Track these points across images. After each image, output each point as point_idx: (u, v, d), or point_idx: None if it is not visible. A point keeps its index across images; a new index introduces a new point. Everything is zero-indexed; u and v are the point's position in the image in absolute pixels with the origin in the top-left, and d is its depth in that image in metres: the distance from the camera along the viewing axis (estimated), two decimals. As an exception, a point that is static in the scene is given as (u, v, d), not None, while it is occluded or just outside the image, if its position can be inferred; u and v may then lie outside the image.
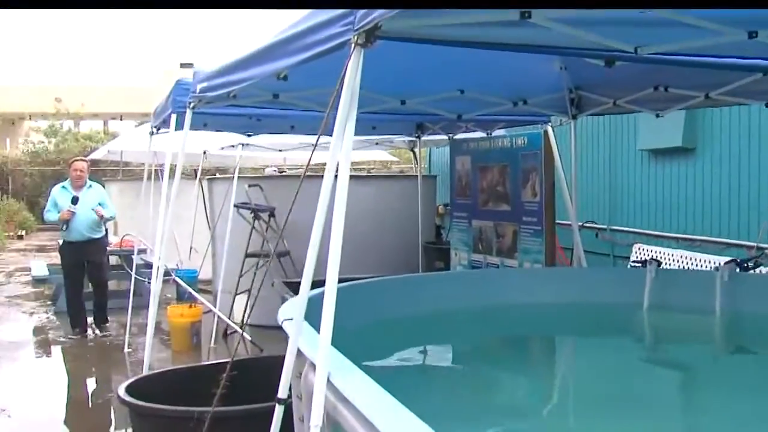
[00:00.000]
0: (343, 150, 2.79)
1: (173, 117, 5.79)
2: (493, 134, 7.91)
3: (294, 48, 3.30)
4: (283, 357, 5.34)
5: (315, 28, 3.07)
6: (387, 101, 5.70)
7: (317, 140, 3.09)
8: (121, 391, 4.45)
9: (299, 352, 3.18)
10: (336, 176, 2.87)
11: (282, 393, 2.90)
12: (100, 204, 8.90)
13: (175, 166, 5.81)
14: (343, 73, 2.77)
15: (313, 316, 3.56)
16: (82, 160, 9.54)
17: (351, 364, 2.72)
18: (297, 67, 3.47)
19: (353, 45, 2.75)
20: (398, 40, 2.98)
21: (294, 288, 7.40)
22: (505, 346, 5.19)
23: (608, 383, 4.08)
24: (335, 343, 2.84)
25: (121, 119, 36.34)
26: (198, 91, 4.89)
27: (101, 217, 8.81)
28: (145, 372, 5.57)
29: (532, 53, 3.81)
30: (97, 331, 9.10)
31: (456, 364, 4.90)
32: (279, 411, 2.91)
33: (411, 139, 9.97)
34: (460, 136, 8.47)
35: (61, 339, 8.99)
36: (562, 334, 5.58)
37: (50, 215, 8.89)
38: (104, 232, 9.24)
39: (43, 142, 29.10)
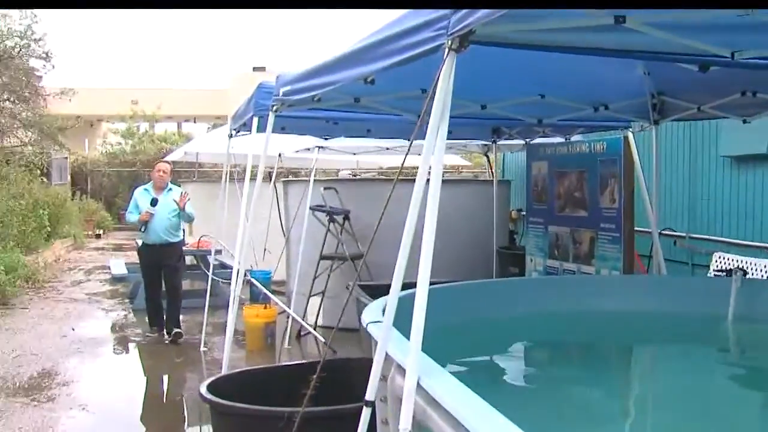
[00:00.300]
0: (436, 154, 2.79)
1: (255, 120, 5.87)
2: (572, 139, 7.83)
3: (383, 52, 3.31)
4: (359, 359, 5.38)
5: (407, 32, 3.08)
6: (468, 105, 5.69)
7: (410, 144, 3.08)
8: (203, 389, 4.52)
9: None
10: (425, 180, 2.85)
11: (370, 395, 2.91)
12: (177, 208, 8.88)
13: (256, 167, 5.87)
14: (437, 78, 2.76)
15: (396, 319, 3.58)
16: (165, 162, 9.58)
17: (440, 367, 2.72)
18: (384, 71, 3.48)
19: (447, 50, 2.75)
20: (490, 44, 2.97)
21: (369, 290, 7.46)
22: (589, 353, 5.12)
23: (690, 396, 3.98)
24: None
25: (194, 121, 36.99)
26: (281, 94, 4.95)
27: (183, 209, 8.77)
28: (224, 371, 5.65)
29: (622, 58, 3.76)
30: (169, 335, 8.91)
31: (537, 370, 4.85)
32: (366, 413, 2.92)
33: (486, 143, 9.92)
34: (537, 141, 8.40)
35: (139, 336, 9.22)
36: (646, 343, 5.47)
37: (131, 216, 8.95)
38: (181, 237, 9.21)
39: (120, 143, 29.76)
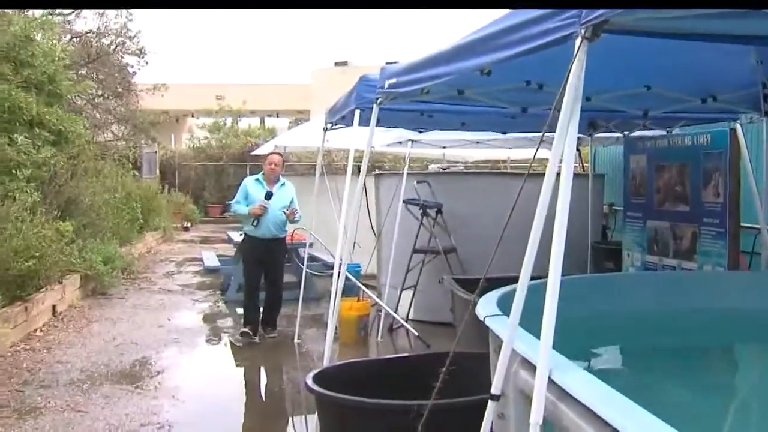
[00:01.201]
0: (567, 147, 2.74)
1: (357, 113, 5.88)
2: (673, 132, 7.64)
3: (505, 42, 3.27)
4: (461, 354, 5.33)
5: (533, 21, 3.03)
6: (572, 97, 5.58)
7: (542, 136, 3.03)
8: (310, 381, 4.55)
9: (499, 349, 3.15)
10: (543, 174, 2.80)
11: (496, 389, 2.87)
12: (291, 203, 8.53)
13: (360, 160, 5.88)
14: (569, 69, 2.71)
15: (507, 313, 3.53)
16: (277, 154, 9.14)
17: (567, 360, 2.67)
18: (500, 63, 3.44)
19: (580, 39, 2.69)
20: (622, 33, 2.90)
21: (463, 284, 7.43)
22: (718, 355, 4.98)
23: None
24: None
25: (277, 116, 37.38)
26: (386, 86, 4.94)
27: (291, 218, 8.41)
28: (326, 363, 5.69)
29: (746, 45, 3.63)
30: (263, 334, 8.64)
31: (650, 368, 4.73)
32: (491, 407, 2.90)
33: (581, 136, 9.72)
34: (635, 133, 8.22)
35: (232, 328, 9.33)
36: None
37: (240, 207, 8.49)
38: (286, 233, 8.85)
39: (206, 137, 30.30)
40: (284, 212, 8.34)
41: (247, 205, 8.39)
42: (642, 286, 5.50)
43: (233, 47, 75.93)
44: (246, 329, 8.49)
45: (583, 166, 12.94)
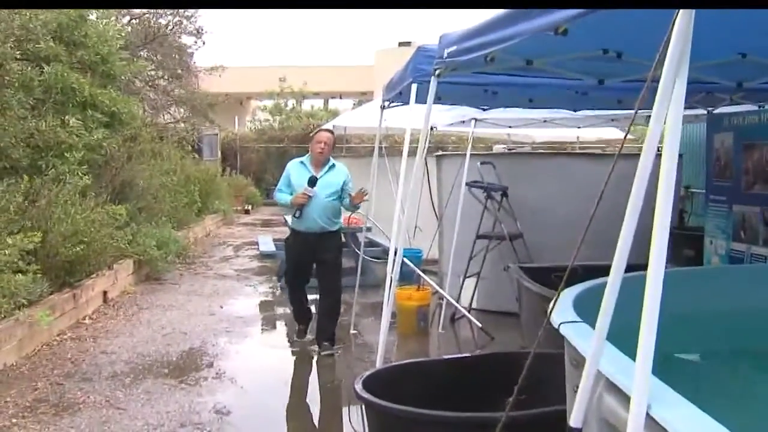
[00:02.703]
0: (671, 119, 2.16)
1: (413, 87, 5.33)
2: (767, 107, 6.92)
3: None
4: (527, 353, 4.78)
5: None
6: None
7: (635, 112, 2.47)
8: (359, 387, 4.05)
9: (577, 364, 2.61)
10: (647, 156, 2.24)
11: (576, 421, 2.32)
12: (343, 188, 7.15)
13: (417, 140, 5.34)
14: (668, 34, 2.13)
15: (587, 312, 2.98)
16: (326, 130, 7.62)
17: (669, 390, 2.11)
18: (579, 19, 2.87)
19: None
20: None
21: (530, 273, 6.87)
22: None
23: None
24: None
25: (340, 98, 37.07)
26: (446, 56, 4.38)
27: (357, 201, 7.16)
28: (379, 364, 5.18)
29: None
30: (318, 350, 7.27)
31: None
32: (569, 440, 2.35)
33: (647, 113, 8.99)
34: (720, 110, 7.50)
35: (286, 317, 8.85)
36: None
37: (282, 196, 7.23)
38: (341, 224, 7.50)
39: (268, 119, 30.11)
40: (350, 195, 7.06)
41: (291, 194, 7.09)
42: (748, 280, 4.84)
43: (294, 30, 75.70)
44: (299, 329, 7.72)
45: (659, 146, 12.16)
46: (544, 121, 10.45)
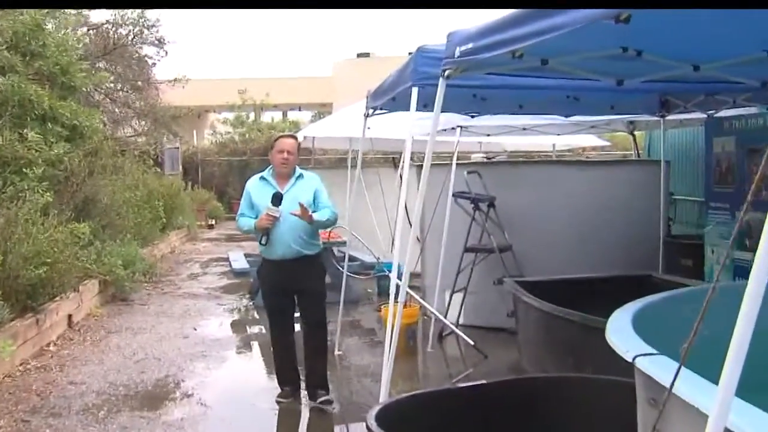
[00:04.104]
0: None
1: (414, 91, 4.92)
2: (773, 109, 6.65)
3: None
4: (546, 378, 4.38)
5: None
6: (676, 66, 4.61)
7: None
8: (372, 423, 3.62)
9: (656, 403, 2.23)
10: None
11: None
12: (315, 201, 5.89)
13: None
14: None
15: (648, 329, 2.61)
16: (289, 136, 6.23)
17: None
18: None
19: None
20: None
21: (528, 287, 6.50)
22: None
23: None
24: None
25: (299, 110, 36.64)
26: (458, 54, 3.98)
27: (309, 218, 5.67)
28: (383, 397, 4.73)
29: None
30: (311, 400, 6.05)
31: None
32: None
33: (651, 118, 8.65)
34: (719, 113, 7.21)
35: (265, 338, 8.34)
36: None
37: (244, 221, 5.94)
38: (321, 245, 6.19)
39: (229, 132, 29.62)
40: (295, 214, 5.62)
41: (256, 216, 5.86)
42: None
43: (253, 42, 74.97)
44: (284, 391, 6.16)
45: (638, 152, 11.93)
46: (524, 129, 10.14)
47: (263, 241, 5.78)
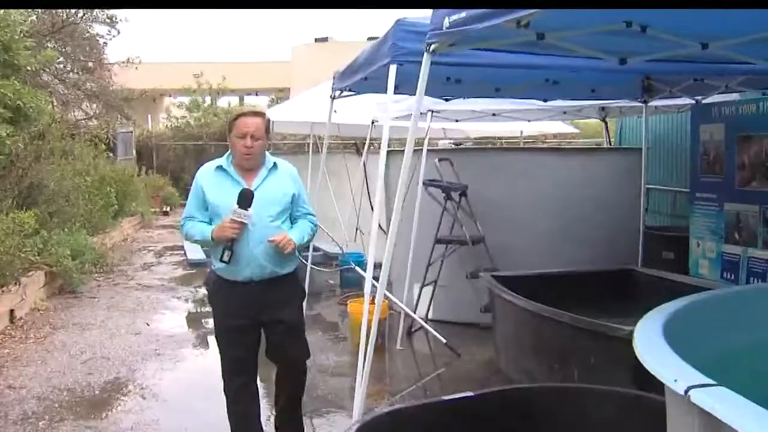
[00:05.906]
0: None
1: (392, 69, 4.43)
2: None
3: None
4: (543, 388, 3.95)
5: None
6: (683, 44, 4.19)
7: None
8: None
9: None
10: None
11: None
12: (294, 202, 4.36)
13: (411, 140, 4.40)
14: None
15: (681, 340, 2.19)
16: (254, 113, 4.43)
17: None
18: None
19: None
20: None
21: (505, 282, 6.10)
22: None
23: None
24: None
25: (256, 95, 36.03)
26: (447, 25, 3.50)
27: (292, 249, 4.20)
28: (357, 416, 4.25)
29: None
30: None
31: None
32: None
33: (633, 104, 8.25)
34: (710, 99, 6.84)
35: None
36: None
37: (194, 228, 4.28)
38: (298, 261, 4.68)
39: (185, 116, 28.84)
40: (274, 242, 4.12)
41: (211, 222, 4.28)
42: None
43: (210, 25, 73.88)
44: None
45: (609, 140, 11.58)
46: (494, 115, 9.74)
47: (225, 258, 4.10)
